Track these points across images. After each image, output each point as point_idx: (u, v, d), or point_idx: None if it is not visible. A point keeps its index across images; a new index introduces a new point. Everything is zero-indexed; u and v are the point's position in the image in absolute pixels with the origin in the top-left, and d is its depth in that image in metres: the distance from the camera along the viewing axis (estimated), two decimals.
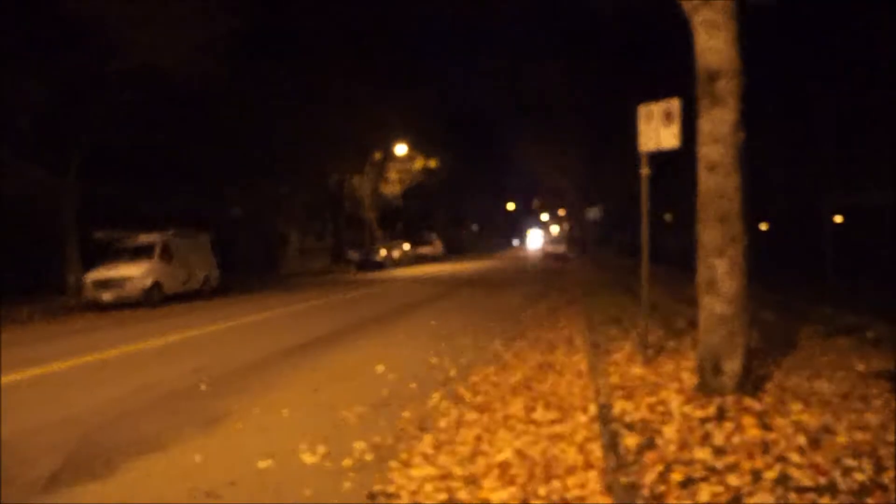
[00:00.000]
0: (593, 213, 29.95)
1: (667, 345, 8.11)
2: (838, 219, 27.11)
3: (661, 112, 6.84)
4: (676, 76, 9.60)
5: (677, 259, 28.78)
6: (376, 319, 13.92)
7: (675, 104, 6.72)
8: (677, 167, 25.72)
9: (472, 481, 4.45)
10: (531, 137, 39.83)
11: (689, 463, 3.99)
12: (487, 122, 60.81)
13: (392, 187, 46.67)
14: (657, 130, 6.89)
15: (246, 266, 32.25)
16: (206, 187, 29.08)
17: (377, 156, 43.17)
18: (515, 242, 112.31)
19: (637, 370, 6.84)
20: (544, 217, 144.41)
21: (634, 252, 35.11)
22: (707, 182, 5.28)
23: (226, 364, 8.99)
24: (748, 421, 4.50)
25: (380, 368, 8.33)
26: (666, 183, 29.13)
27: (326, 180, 41.55)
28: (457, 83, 54.18)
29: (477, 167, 64.40)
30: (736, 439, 4.24)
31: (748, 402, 4.88)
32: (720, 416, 4.65)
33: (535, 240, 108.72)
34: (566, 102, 33.03)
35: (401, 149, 43.42)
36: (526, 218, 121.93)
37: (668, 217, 39.09)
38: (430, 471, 4.69)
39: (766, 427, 4.39)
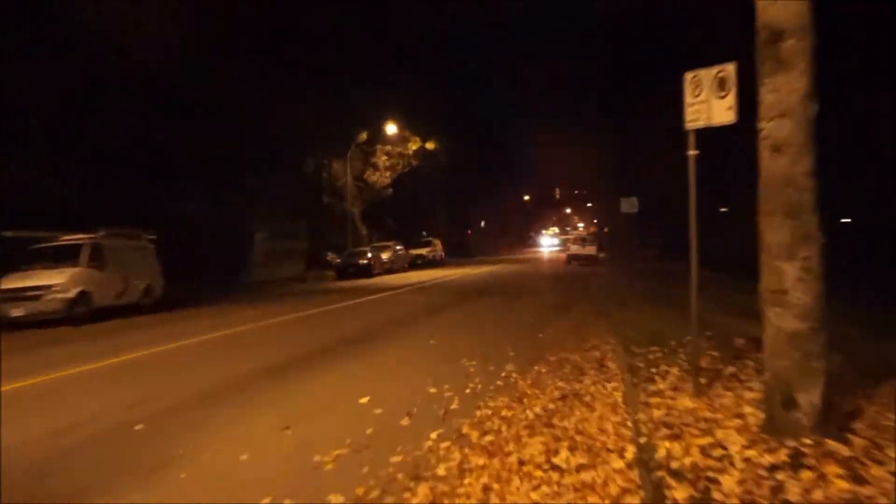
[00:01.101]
0: (628, 206, 29.73)
1: (723, 370, 7.98)
2: None
3: (713, 80, 6.73)
4: (729, 38, 9.47)
5: (735, 262, 28.54)
6: (361, 338, 13.80)
7: (729, 69, 6.62)
8: (733, 148, 25.65)
9: None
10: (551, 113, 39.85)
11: None
12: (498, 95, 60.94)
13: (381, 175, 46.68)
14: (708, 102, 6.80)
15: (200, 273, 32.19)
16: (148, 176, 29.00)
17: (362, 136, 43.22)
18: (534, 242, 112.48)
19: (686, 402, 6.72)
20: (567, 210, 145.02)
21: (680, 253, 34.89)
22: (771, 167, 5.14)
23: (170, 396, 8.85)
24: (833, 470, 4.34)
25: (364, 400, 8.21)
26: (720, 168, 29.13)
27: (300, 167, 41.55)
28: (461, 48, 54.20)
29: (485, 151, 64.47)
30: (817, 494, 4.08)
31: (832, 445, 4.72)
32: (795, 463, 4.51)
33: (554, 239, 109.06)
34: (594, 70, 33.02)
35: (391, 128, 43.46)
36: (545, 213, 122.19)
37: (723, 210, 39.01)
38: None
39: (857, 478, 4.23)
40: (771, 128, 5.17)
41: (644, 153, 34.58)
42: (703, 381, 7.34)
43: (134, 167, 27.69)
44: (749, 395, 6.58)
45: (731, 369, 8.00)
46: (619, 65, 30.90)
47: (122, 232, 21.38)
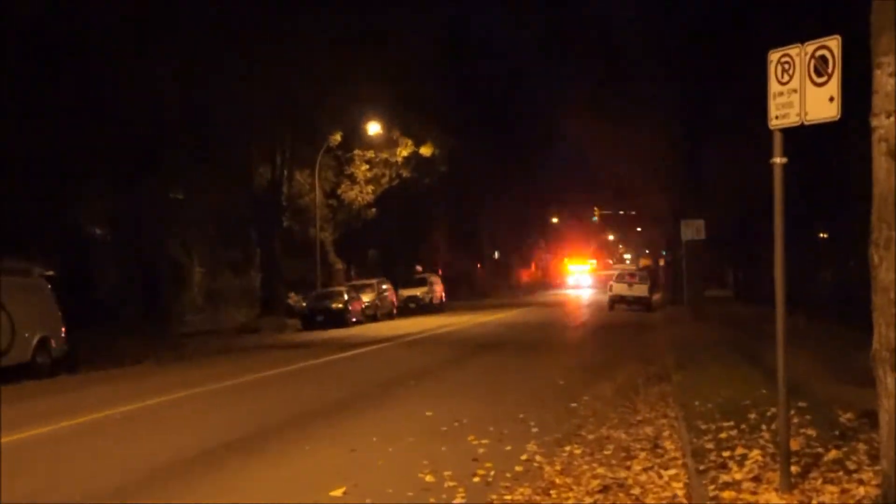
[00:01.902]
0: (691, 232, 29.75)
1: (824, 455, 7.93)
2: None
3: (808, 60, 6.72)
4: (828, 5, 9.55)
5: (841, 305, 28.38)
6: (332, 408, 13.82)
7: (832, 45, 6.59)
8: (835, 153, 25.59)
9: None
10: (588, 103, 39.87)
11: None
12: (518, 79, 61.09)
13: (360, 191, 46.64)
14: (802, 92, 6.78)
15: (114, 320, 32.02)
16: (45, 189, 29.00)
17: (335, 138, 43.25)
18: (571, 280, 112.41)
19: (772, 499, 6.66)
20: (610, 237, 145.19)
21: (763, 293, 34.68)
22: (888, 179, 5.15)
23: (70, 486, 8.86)
24: None
25: (338, 492, 8.20)
26: (817, 181, 29.02)
27: (251, 179, 41.57)
28: (470, 19, 54.70)
29: (499, 157, 64.56)
30: None
31: None
32: None
33: (583, 276, 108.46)
34: (648, 45, 33.16)
35: (374, 127, 43.44)
36: (579, 240, 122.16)
37: (822, 236, 38.95)
38: None
39: None
40: (890, 125, 5.16)
41: (720, 162, 34.64)
42: (794, 469, 7.24)
43: (14, 167, 27.41)
44: (860, 490, 6.52)
45: (834, 454, 7.90)
46: (687, 41, 30.99)
47: (6, 265, 21.24)
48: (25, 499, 8.36)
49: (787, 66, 6.91)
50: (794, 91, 6.85)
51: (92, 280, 32.24)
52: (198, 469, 9.59)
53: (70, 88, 27.40)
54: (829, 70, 6.60)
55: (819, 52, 6.69)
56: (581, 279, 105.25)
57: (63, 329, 22.48)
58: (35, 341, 21.08)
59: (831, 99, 6.61)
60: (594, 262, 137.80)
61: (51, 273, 23.10)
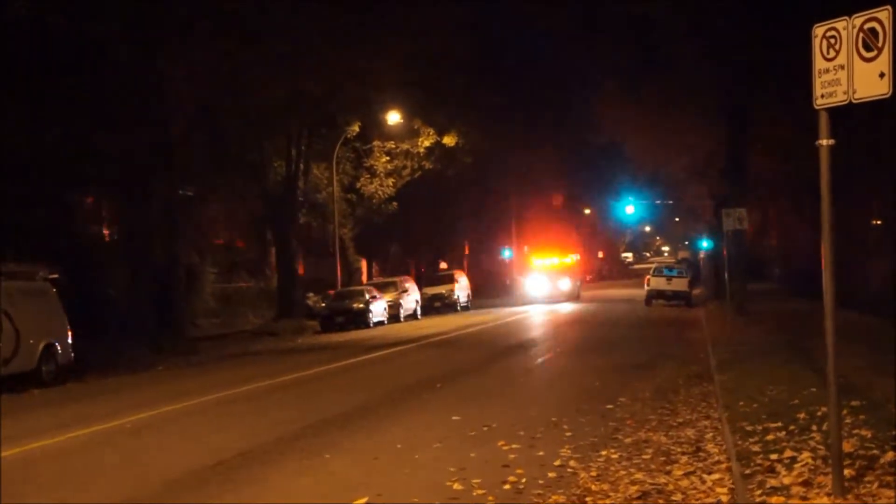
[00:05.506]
0: (733, 221, 29.51)
1: (880, 457, 7.86)
2: None
3: (857, 33, 6.64)
4: None
5: (893, 298, 28.02)
6: (354, 414, 13.81)
7: (882, 17, 6.49)
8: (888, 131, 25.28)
9: None
10: (623, 91, 39.66)
11: None
12: (548, 69, 60.81)
13: (381, 184, 46.56)
14: (849, 68, 6.70)
15: (122, 325, 32.13)
16: (49, 188, 29.15)
17: (353, 129, 43.24)
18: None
19: None
20: (646, 228, 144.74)
21: (811, 286, 34.33)
22: None
23: (78, 501, 8.93)
24: None
25: (360, 502, 8.19)
26: (869, 163, 28.70)
27: (265, 174, 41.66)
28: (499, 6, 54.51)
29: (528, 144, 64.30)
30: None
31: None
32: None
33: (562, 279, 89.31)
34: (689, 26, 32.97)
35: (394, 117, 43.38)
36: (612, 230, 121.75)
37: (876, 223, 38.57)
38: None
39: None
40: None
41: (764, 144, 34.46)
42: (848, 472, 7.17)
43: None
44: None
45: (891, 456, 7.83)
46: (731, 20, 30.85)
47: (8, 269, 21.31)
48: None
49: (833, 41, 6.81)
50: (841, 67, 6.75)
51: (100, 283, 32.35)
52: (214, 480, 9.62)
53: (77, 90, 27.59)
54: (880, 44, 6.50)
55: (868, 25, 6.59)
56: (551, 283, 58.53)
57: (70, 335, 22.57)
58: (40, 348, 21.13)
59: (882, 75, 6.51)
60: (630, 255, 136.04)
61: (55, 276, 23.12)
